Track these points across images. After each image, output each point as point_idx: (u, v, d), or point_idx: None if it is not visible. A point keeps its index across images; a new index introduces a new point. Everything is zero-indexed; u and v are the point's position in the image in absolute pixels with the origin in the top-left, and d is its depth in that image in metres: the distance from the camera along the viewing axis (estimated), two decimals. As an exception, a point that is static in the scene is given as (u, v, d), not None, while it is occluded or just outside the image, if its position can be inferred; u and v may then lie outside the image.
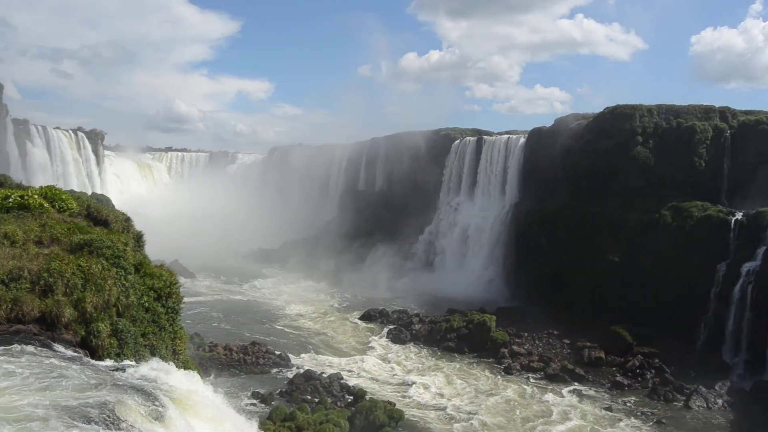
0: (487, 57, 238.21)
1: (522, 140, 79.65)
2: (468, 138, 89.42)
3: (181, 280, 21.09)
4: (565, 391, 47.27)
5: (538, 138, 77.72)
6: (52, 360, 10.93)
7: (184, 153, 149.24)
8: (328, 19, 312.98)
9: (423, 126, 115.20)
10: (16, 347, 11.27)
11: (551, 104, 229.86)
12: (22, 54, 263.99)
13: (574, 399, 45.84)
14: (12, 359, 10.36)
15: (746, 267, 51.74)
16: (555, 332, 57.49)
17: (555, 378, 49.54)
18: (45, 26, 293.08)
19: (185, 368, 15.79)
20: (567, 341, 55.81)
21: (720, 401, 45.04)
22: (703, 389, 45.81)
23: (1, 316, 12.92)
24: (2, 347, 11.10)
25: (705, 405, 44.57)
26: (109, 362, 13.11)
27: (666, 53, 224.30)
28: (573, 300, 61.45)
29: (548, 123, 79.78)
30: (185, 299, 19.73)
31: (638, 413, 43.47)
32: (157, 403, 10.13)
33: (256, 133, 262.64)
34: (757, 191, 57.83)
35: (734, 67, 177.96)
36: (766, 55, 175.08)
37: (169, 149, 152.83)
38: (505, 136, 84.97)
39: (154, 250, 24.61)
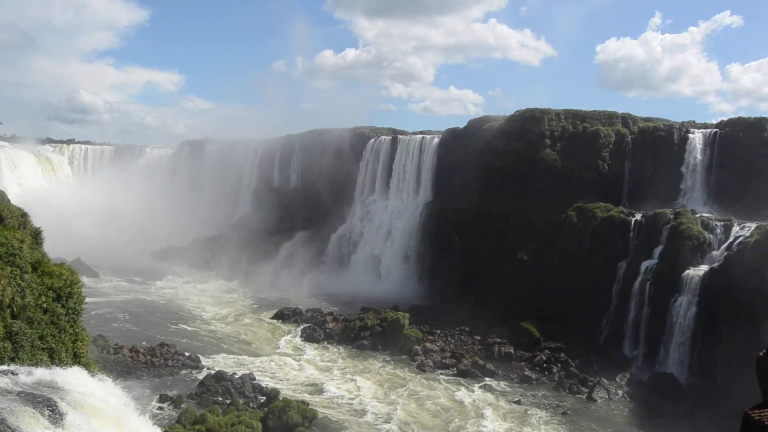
0: (403, 57, 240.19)
1: (436, 140, 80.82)
2: (383, 137, 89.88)
3: (84, 279, 20.00)
4: (476, 386, 48.31)
5: (451, 139, 79.14)
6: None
7: (88, 146, 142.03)
8: (241, 12, 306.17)
9: (338, 124, 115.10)
10: None
11: (465, 106, 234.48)
12: None
13: (485, 394, 46.94)
14: None
15: (645, 265, 54.63)
16: (467, 329, 58.67)
17: (467, 374, 50.55)
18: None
19: (88, 371, 14.91)
20: (478, 338, 57.08)
21: (620, 392, 47.32)
22: (605, 381, 47.99)
23: None
24: None
25: (607, 396, 46.71)
26: (2, 367, 12.16)
27: (573, 60, 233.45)
28: (484, 297, 63.04)
29: (462, 124, 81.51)
30: (88, 299, 18.70)
31: (545, 405, 45.04)
32: (55, 408, 9.45)
33: (165, 126, 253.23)
34: (655, 193, 61.21)
35: (635, 76, 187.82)
36: (664, 66, 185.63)
37: (71, 141, 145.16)
38: (420, 136, 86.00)
39: (55, 248, 23.24)
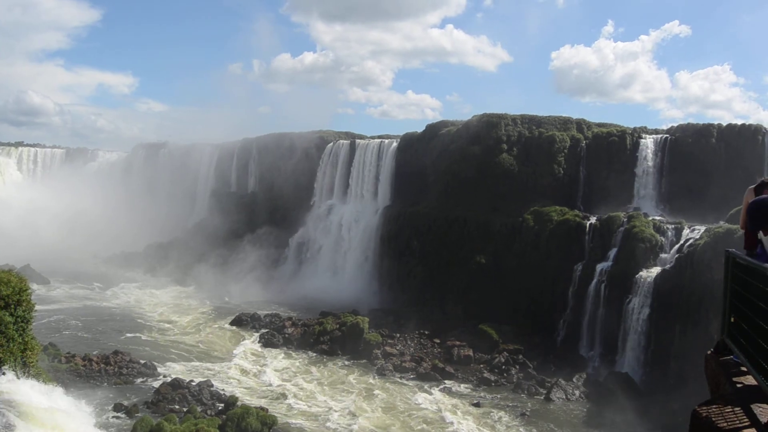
0: (361, 61, 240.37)
1: (394, 144, 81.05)
2: (341, 141, 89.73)
3: (33, 286, 19.36)
4: (436, 389, 48.44)
5: (409, 143, 79.48)
6: None
7: (38, 148, 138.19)
8: (197, 14, 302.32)
9: (297, 127, 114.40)
10: None
11: (422, 110, 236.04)
12: None
13: (445, 396, 47.12)
14: None
15: (600, 267, 55.69)
16: (426, 332, 58.89)
17: (426, 377, 50.68)
18: None
19: (37, 381, 14.39)
20: (437, 341, 57.32)
21: (578, 392, 48.06)
22: (563, 382, 48.71)
23: None
24: None
25: (564, 397, 47.38)
26: (-55, 378, 11.66)
27: (529, 66, 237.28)
28: (444, 301, 63.41)
29: (420, 128, 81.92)
30: (38, 307, 18.05)
31: (505, 407, 45.45)
32: (4, 419, 9.07)
33: (118, 129, 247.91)
34: (609, 197, 62.50)
35: (589, 82, 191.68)
36: (616, 73, 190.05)
37: (20, 144, 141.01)
38: (378, 140, 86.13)
39: (2, 255, 22.48)
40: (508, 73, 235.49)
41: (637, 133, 65.63)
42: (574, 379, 49.48)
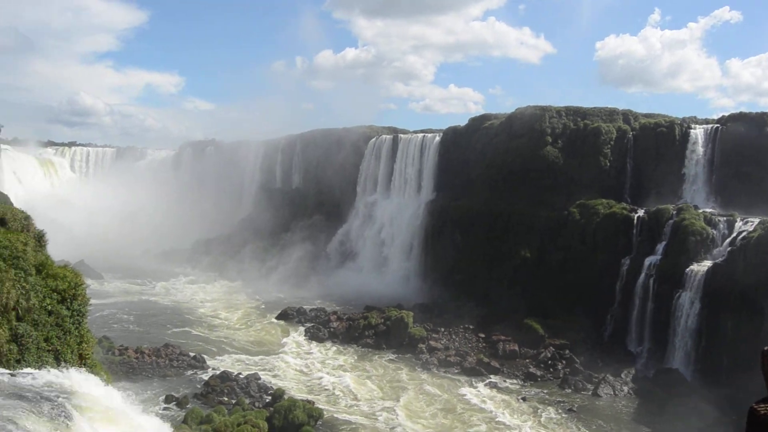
0: (402, 56, 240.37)
1: (437, 139, 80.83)
2: (384, 136, 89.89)
3: (88, 281, 20.02)
4: (481, 384, 48.30)
5: (452, 137, 79.12)
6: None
7: (90, 148, 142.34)
8: (241, 13, 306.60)
9: (339, 123, 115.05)
10: None
11: (465, 104, 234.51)
12: None
13: (491, 391, 46.93)
14: None
15: (648, 261, 54.52)
16: (471, 327, 58.70)
17: (471, 372, 50.55)
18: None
19: (93, 373, 14.93)
20: (482, 335, 57.08)
21: (626, 389, 47.26)
22: (610, 378, 47.96)
23: None
24: None
25: (612, 392, 46.66)
26: (7, 370, 12.18)
27: (573, 58, 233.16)
28: (488, 295, 62.94)
29: (462, 122, 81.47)
30: (92, 301, 18.67)
31: (551, 402, 45.02)
32: (62, 411, 9.47)
33: (166, 128, 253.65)
34: (657, 189, 61.09)
35: (635, 72, 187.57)
36: (664, 62, 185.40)
37: (73, 144, 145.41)
38: (421, 134, 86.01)
39: (58, 251, 23.30)
40: (552, 64, 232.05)
41: (687, 124, 63.92)
42: (622, 375, 48.64)
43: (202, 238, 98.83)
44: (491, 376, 50.07)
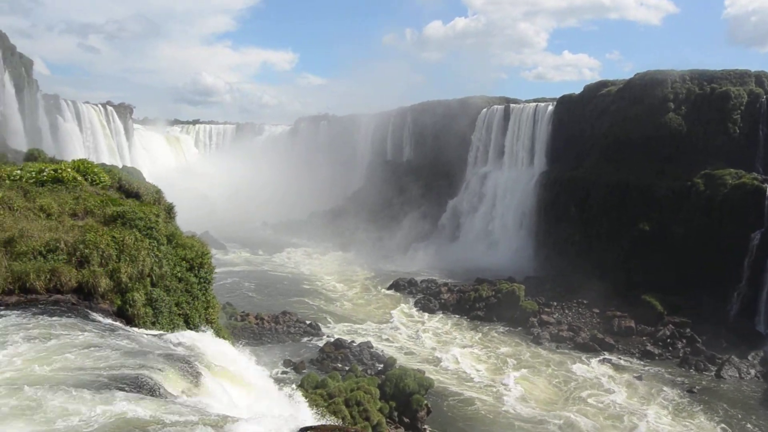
0: (514, 24, 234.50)
1: (550, 108, 78.54)
2: (495, 106, 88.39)
3: (212, 251, 21.35)
4: (594, 360, 47.18)
5: (567, 105, 76.54)
6: (91, 328, 11.17)
7: (212, 125, 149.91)
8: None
9: (449, 95, 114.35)
10: (57, 317, 11.55)
11: (580, 71, 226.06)
12: (50, 30, 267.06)
13: (604, 368, 45.76)
14: (53, 328, 10.61)
15: (782, 235, 50.74)
16: (584, 301, 57.26)
17: (584, 347, 49.47)
18: (71, 1, 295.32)
19: (219, 337, 16.05)
20: (596, 310, 55.57)
21: (753, 371, 44.62)
22: (736, 359, 45.42)
23: (41, 286, 13.22)
24: (44, 316, 11.37)
25: (737, 375, 44.20)
26: (144, 330, 13.39)
27: (698, 17, 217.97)
28: (603, 269, 60.91)
29: (577, 90, 78.60)
30: (216, 270, 19.99)
31: (669, 382, 43.28)
32: (193, 369, 10.32)
33: (281, 104, 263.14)
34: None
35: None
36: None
37: (196, 121, 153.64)
38: (533, 104, 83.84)
39: (185, 222, 24.93)
40: (674, 25, 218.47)
41: (830, 86, 58.33)
42: (749, 357, 45.93)
43: (316, 210, 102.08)
44: (605, 352, 48.77)
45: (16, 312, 11.56)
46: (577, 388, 41.94)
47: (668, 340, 49.79)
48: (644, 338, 50.81)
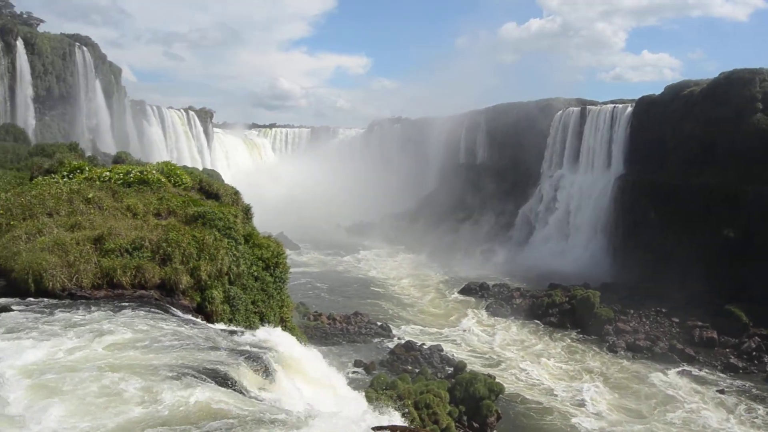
0: (590, 24, 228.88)
1: (629, 109, 76.24)
2: (571, 108, 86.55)
3: (287, 251, 21.90)
4: (673, 371, 45.46)
5: (646, 107, 74.06)
6: (173, 323, 11.71)
7: (288, 129, 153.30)
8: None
9: (524, 97, 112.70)
10: (141, 311, 12.16)
11: (660, 71, 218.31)
12: (137, 39, 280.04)
13: (684, 380, 44.02)
14: (138, 322, 11.19)
15: None
16: (663, 310, 55.26)
17: (662, 358, 47.72)
18: (157, 12, 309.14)
19: (292, 335, 16.47)
20: (676, 320, 53.52)
21: None
22: (830, 375, 42.80)
23: (126, 282, 13.95)
24: (129, 310, 12.01)
25: (831, 391, 41.65)
26: (223, 326, 13.90)
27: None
28: (683, 277, 58.49)
29: (657, 91, 75.90)
30: (291, 270, 20.52)
31: (755, 398, 41.19)
32: (268, 366, 10.66)
33: (355, 107, 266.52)
34: None
35: None
36: None
37: (273, 125, 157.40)
38: (611, 105, 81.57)
39: (261, 223, 25.65)
40: (764, 21, 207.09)
41: None
42: None
43: (389, 213, 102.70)
44: (684, 364, 46.88)
45: (104, 305, 12.26)
46: (655, 400, 40.50)
47: (754, 353, 47.41)
48: (727, 350, 48.55)
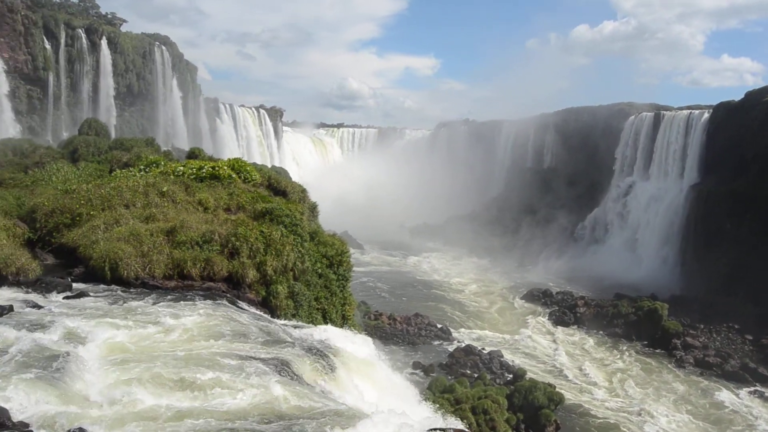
0: (667, 26, 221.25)
1: (705, 116, 73.39)
2: (644, 113, 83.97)
3: (351, 250, 22.17)
4: (744, 391, 43.52)
5: (724, 113, 71.09)
6: (240, 315, 12.09)
7: (355, 129, 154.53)
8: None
9: (595, 101, 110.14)
10: (209, 302, 12.60)
11: (740, 76, 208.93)
12: (212, 39, 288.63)
13: (756, 401, 42.11)
14: (206, 312, 11.60)
15: None
16: (736, 326, 53.00)
17: (733, 376, 45.72)
18: (232, 12, 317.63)
19: (354, 333, 16.69)
20: (749, 337, 51.25)
21: None
22: None
23: (196, 273, 14.48)
24: (199, 301, 12.46)
25: None
26: (287, 321, 14.23)
27: None
28: (760, 292, 55.95)
29: (736, 96, 72.67)
30: (354, 269, 20.78)
31: (833, 422, 39.09)
32: (328, 362, 10.88)
33: (422, 109, 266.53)
34: None
35: None
36: None
37: (341, 125, 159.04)
38: (686, 111, 78.70)
39: (326, 221, 26.06)
40: None
41: None
42: None
43: (453, 215, 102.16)
44: (757, 384, 44.74)
45: (174, 295, 12.76)
46: (725, 419, 38.94)
47: (835, 376, 44.94)
48: (805, 371, 46.16)
